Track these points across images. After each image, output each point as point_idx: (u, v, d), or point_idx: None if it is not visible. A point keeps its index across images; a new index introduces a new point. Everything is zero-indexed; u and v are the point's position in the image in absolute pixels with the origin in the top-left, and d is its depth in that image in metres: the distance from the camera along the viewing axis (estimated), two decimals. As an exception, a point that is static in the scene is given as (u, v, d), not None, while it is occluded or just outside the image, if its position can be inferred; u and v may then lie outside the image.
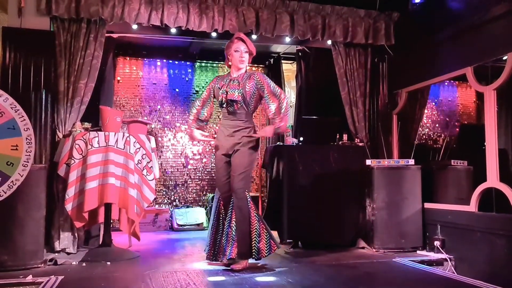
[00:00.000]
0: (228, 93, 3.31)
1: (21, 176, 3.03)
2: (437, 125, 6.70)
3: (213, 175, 6.18)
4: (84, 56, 3.97)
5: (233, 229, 3.25)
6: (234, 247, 3.21)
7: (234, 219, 3.26)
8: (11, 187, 3.00)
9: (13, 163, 3.01)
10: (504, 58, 3.50)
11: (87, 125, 3.95)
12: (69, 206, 3.48)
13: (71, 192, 3.49)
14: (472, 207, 3.63)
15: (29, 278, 2.94)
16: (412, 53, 4.57)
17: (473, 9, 3.79)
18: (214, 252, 3.40)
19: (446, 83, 6.70)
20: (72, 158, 3.55)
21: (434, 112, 6.72)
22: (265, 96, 3.35)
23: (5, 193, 2.98)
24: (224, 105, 3.35)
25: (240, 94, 3.29)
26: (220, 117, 3.72)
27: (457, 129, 6.47)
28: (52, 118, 3.88)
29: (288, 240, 4.21)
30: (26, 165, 3.04)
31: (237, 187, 3.26)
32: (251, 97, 3.35)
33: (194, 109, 3.53)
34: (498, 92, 3.54)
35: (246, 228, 3.25)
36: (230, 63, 3.43)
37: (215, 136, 3.54)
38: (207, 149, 6.23)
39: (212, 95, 3.50)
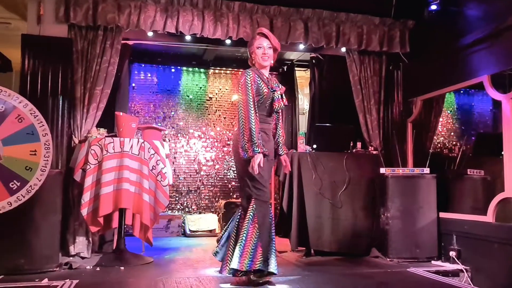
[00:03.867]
0: (283, 98, 3.15)
1: (39, 181, 3.08)
2: (452, 133, 6.63)
3: (225, 181, 6.21)
4: (101, 63, 4.03)
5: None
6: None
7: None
8: (29, 191, 3.05)
9: (31, 168, 3.06)
10: (522, 66, 3.46)
11: (103, 131, 3.99)
12: (84, 211, 3.52)
13: (86, 197, 3.53)
14: (490, 217, 3.56)
15: (45, 282, 2.99)
16: (427, 61, 4.54)
17: (490, 17, 3.76)
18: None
19: (461, 91, 6.64)
20: (88, 163, 3.59)
21: (449, 121, 6.66)
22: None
23: (24, 197, 3.03)
24: (275, 111, 3.17)
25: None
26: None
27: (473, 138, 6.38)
28: (68, 123, 3.93)
29: (299, 248, 4.19)
30: (44, 170, 3.09)
31: None
32: None
33: (253, 115, 2.96)
34: (516, 100, 3.50)
35: None
36: (253, 61, 3.17)
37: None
38: (220, 156, 6.25)
39: (255, 90, 3.04)
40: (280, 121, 3.31)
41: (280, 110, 3.21)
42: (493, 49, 3.71)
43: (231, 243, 3.05)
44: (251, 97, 2.97)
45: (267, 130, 3.15)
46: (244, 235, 2.94)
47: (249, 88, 2.99)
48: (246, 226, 2.96)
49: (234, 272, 2.99)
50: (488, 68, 3.73)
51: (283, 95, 3.17)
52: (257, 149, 2.90)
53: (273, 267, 2.92)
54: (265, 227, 3.00)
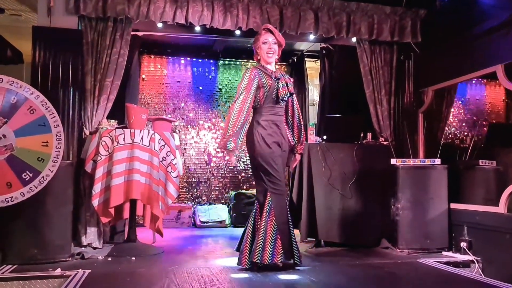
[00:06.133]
0: (289, 86, 3.23)
1: (51, 172, 3.11)
2: (463, 124, 6.56)
3: (235, 173, 6.22)
4: (111, 54, 4.04)
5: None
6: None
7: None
8: (41, 182, 3.08)
9: (43, 159, 3.10)
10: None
11: (113, 122, 4.01)
12: (95, 202, 3.55)
13: (97, 188, 3.56)
14: (501, 208, 3.53)
15: (58, 271, 3.02)
16: (439, 51, 4.47)
17: (504, 4, 3.69)
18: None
19: (473, 81, 6.55)
20: (99, 154, 3.61)
21: (461, 111, 6.58)
22: (293, 100, 3.38)
23: (36, 188, 3.07)
24: (280, 100, 3.19)
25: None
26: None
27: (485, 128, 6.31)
28: (79, 115, 3.95)
29: (309, 239, 4.20)
30: (55, 161, 3.12)
31: None
32: None
33: (246, 108, 3.06)
34: (530, 90, 3.44)
35: None
36: (259, 57, 3.27)
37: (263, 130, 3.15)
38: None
39: (255, 87, 3.14)
40: (296, 109, 3.38)
41: (286, 98, 3.26)
42: (507, 38, 3.63)
43: (248, 236, 3.12)
44: (244, 93, 3.09)
45: (277, 121, 3.22)
46: (263, 229, 3.02)
47: (245, 85, 3.10)
48: (264, 220, 3.04)
49: (254, 264, 3.05)
50: (501, 57, 3.67)
51: (288, 83, 3.24)
52: (229, 144, 3.05)
53: (296, 258, 3.13)
54: (282, 220, 3.08)
